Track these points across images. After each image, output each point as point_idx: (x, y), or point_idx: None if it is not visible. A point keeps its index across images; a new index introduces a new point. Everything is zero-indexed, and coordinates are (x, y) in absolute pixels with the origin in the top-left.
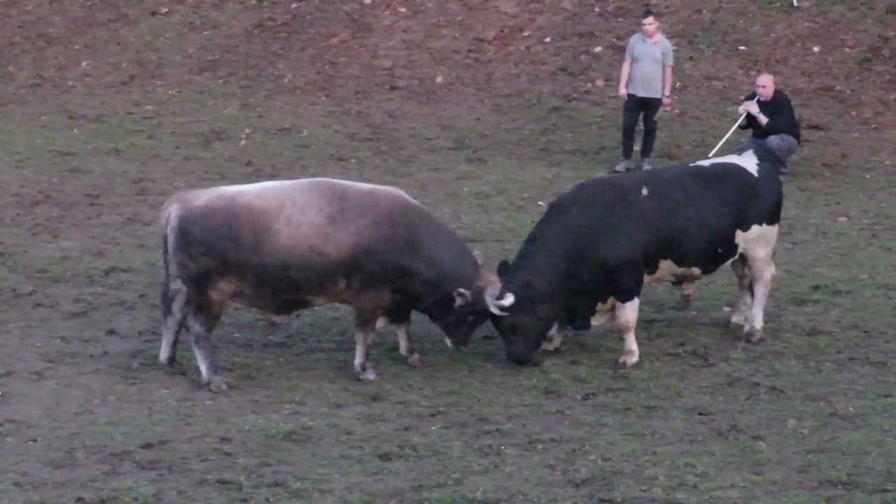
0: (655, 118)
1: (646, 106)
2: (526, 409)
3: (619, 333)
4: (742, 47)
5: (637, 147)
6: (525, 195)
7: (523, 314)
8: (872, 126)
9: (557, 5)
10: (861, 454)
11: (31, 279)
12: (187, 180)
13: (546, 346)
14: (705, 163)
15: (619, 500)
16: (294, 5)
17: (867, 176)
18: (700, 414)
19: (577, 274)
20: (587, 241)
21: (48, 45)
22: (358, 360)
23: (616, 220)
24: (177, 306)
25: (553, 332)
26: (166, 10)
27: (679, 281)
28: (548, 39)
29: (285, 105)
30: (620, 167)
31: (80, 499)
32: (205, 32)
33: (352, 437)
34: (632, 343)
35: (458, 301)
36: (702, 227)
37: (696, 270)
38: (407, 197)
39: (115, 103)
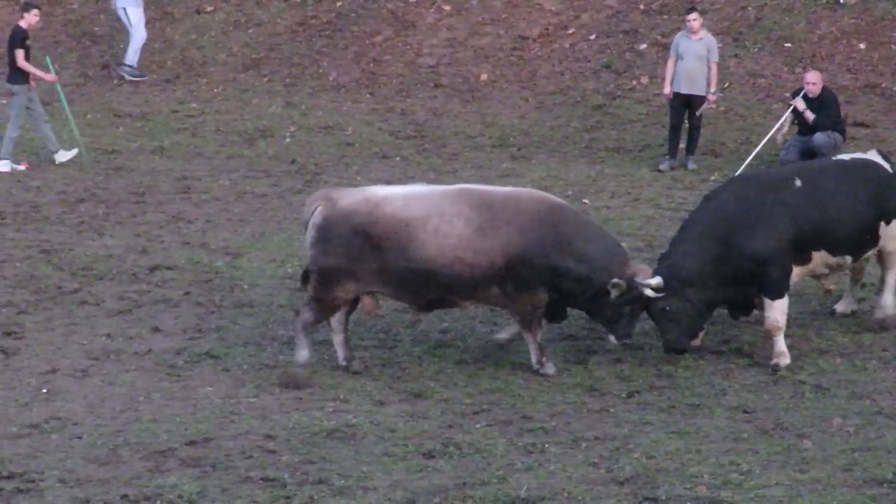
0: (698, 114)
1: (691, 103)
2: (569, 407)
3: (766, 334)
4: (787, 44)
5: (682, 145)
6: (569, 193)
7: (673, 298)
8: None
9: (601, 3)
10: None
11: (75, 277)
12: (231, 178)
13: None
14: (845, 157)
15: (662, 498)
16: (338, 3)
17: None
18: (744, 412)
19: (726, 262)
20: (738, 229)
21: (93, 44)
22: (534, 359)
23: (767, 212)
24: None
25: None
26: (211, 8)
27: (827, 273)
28: (592, 37)
29: (329, 103)
30: (664, 166)
31: (124, 496)
32: (249, 31)
33: (395, 435)
34: (782, 345)
35: (613, 293)
36: (852, 216)
37: (848, 259)
38: (550, 196)
39: (159, 101)
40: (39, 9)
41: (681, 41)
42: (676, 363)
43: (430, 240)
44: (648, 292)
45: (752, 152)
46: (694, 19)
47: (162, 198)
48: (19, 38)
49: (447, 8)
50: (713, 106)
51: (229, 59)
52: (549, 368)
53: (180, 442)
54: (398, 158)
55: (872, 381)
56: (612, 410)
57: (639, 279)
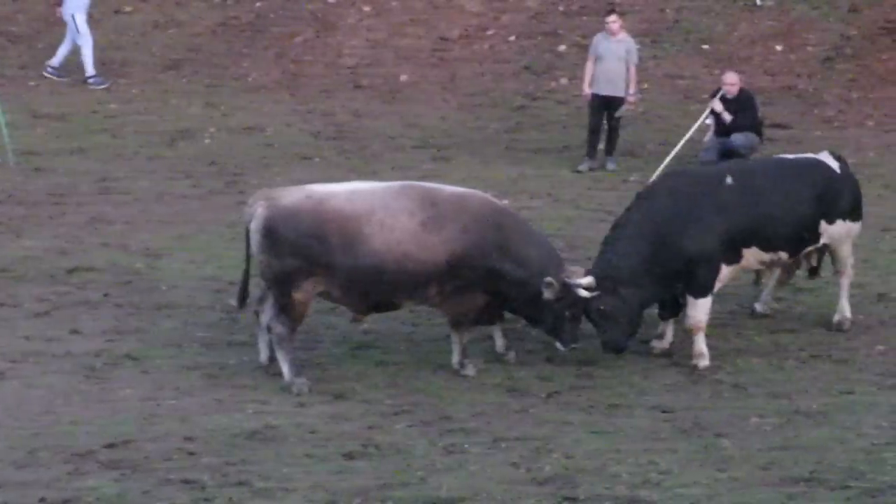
0: (618, 115)
1: (610, 104)
2: (490, 408)
3: (688, 333)
4: (705, 46)
5: (601, 146)
6: (490, 194)
7: (608, 297)
8: (835, 124)
9: (521, 4)
10: (823, 451)
11: None
12: (151, 179)
13: (660, 344)
14: (789, 156)
15: (582, 497)
16: (258, 4)
17: None
18: (663, 412)
19: (659, 261)
20: (669, 227)
21: (11, 45)
22: (455, 359)
23: (698, 210)
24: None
25: (665, 328)
26: (130, 8)
27: (766, 268)
28: (512, 38)
29: (249, 104)
30: (584, 167)
31: (42, 499)
32: (169, 31)
33: (316, 436)
34: (702, 345)
35: (546, 293)
36: (788, 213)
37: (783, 255)
38: (493, 199)
39: (78, 102)
40: None
41: (600, 43)
42: (596, 364)
43: (376, 234)
44: (581, 292)
45: (670, 153)
46: (613, 21)
47: (81, 199)
48: None
49: (368, 9)
50: (632, 107)
51: (149, 60)
52: (470, 370)
53: (100, 444)
54: (319, 159)
55: (790, 380)
56: (532, 411)
57: (571, 280)
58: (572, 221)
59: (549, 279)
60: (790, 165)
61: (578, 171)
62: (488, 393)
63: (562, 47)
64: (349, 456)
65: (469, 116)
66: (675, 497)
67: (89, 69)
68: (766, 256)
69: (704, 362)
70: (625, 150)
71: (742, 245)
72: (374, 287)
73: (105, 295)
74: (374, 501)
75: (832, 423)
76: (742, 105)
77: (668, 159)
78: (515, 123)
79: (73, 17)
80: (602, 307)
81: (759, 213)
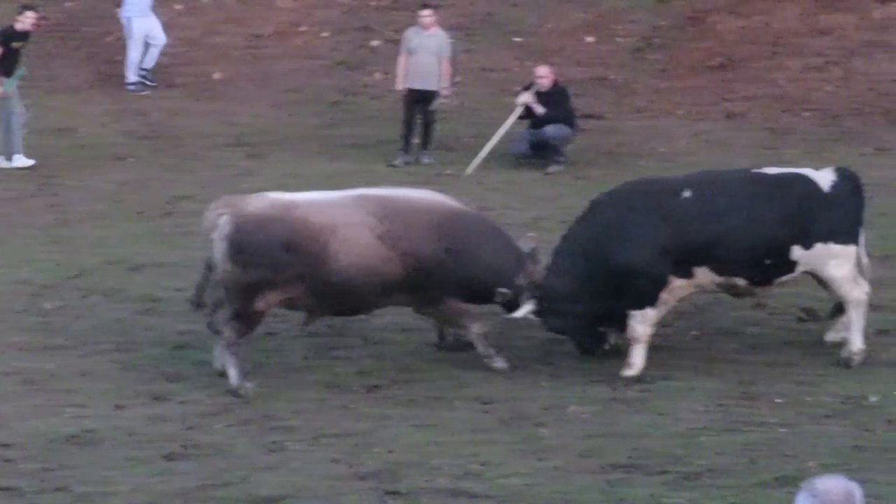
0: (432, 109)
1: (424, 98)
2: (310, 405)
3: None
4: (517, 39)
5: (416, 140)
6: (307, 190)
7: (551, 317)
8: (646, 114)
9: (334, 0)
10: (641, 437)
11: None
12: None
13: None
14: (771, 170)
15: (405, 491)
16: (68, 4)
17: (641, 163)
18: (483, 403)
19: (599, 274)
20: (606, 240)
21: None
22: (481, 352)
23: (638, 223)
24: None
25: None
26: None
27: (730, 291)
28: (325, 34)
29: (61, 105)
30: (399, 161)
31: None
32: None
33: (135, 439)
34: (636, 356)
35: (498, 299)
36: (744, 237)
37: (739, 281)
38: (450, 200)
39: None
40: (35, 10)
41: (413, 37)
42: (415, 357)
43: (341, 248)
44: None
45: (486, 146)
46: (427, 15)
47: None
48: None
49: (179, 7)
50: (446, 101)
51: None
52: (499, 362)
53: None
54: (133, 159)
55: (605, 367)
56: (352, 406)
57: (512, 313)
58: None
59: (501, 290)
60: (760, 181)
61: (394, 166)
62: (308, 390)
63: (375, 42)
64: (169, 457)
65: (283, 113)
66: (497, 487)
67: (130, 75)
68: (721, 279)
69: (630, 372)
70: (440, 143)
71: (692, 263)
72: (343, 296)
73: None
74: (196, 502)
75: (650, 410)
76: (555, 97)
77: (483, 152)
78: (330, 119)
79: (129, 20)
80: (551, 325)
81: (711, 231)
